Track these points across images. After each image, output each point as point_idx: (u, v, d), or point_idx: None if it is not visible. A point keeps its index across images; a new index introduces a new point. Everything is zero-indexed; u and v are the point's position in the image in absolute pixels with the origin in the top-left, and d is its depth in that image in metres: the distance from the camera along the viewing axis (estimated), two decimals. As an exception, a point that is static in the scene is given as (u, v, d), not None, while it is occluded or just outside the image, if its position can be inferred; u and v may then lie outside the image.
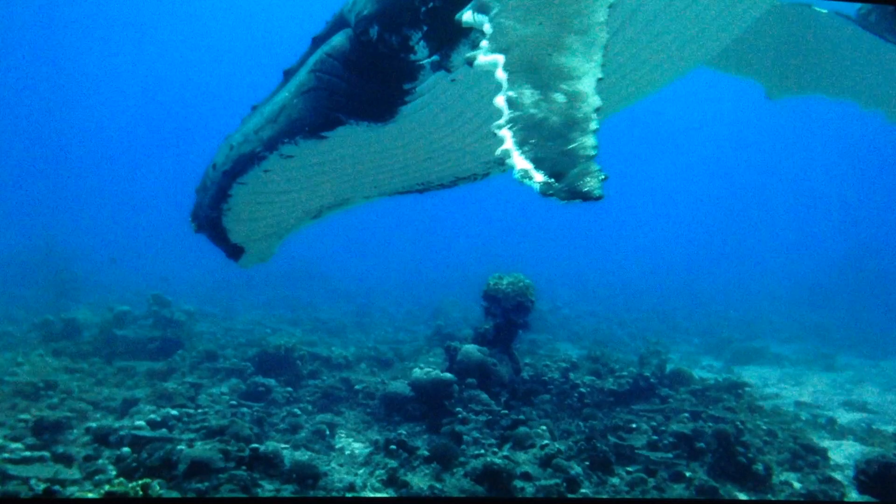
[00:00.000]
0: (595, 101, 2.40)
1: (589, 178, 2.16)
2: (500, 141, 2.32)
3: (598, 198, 2.12)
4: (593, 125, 2.32)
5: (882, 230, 34.97)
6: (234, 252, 5.90)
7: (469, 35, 3.85)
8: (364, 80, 4.34)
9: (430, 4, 3.86)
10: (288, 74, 4.94)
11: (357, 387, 8.49)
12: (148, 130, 56.60)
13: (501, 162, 5.37)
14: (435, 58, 4.00)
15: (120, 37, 52.07)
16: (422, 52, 4.01)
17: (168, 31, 53.58)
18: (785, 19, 5.66)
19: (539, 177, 2.18)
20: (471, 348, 8.02)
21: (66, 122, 53.00)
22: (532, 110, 2.37)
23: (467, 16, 3.11)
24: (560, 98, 2.41)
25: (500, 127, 2.36)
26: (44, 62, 50.34)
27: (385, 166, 5.16)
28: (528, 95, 2.42)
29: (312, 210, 5.79)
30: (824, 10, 5.58)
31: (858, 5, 5.55)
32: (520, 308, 8.38)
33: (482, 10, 2.99)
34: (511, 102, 2.41)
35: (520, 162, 2.24)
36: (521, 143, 2.28)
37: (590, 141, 2.28)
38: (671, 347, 12.80)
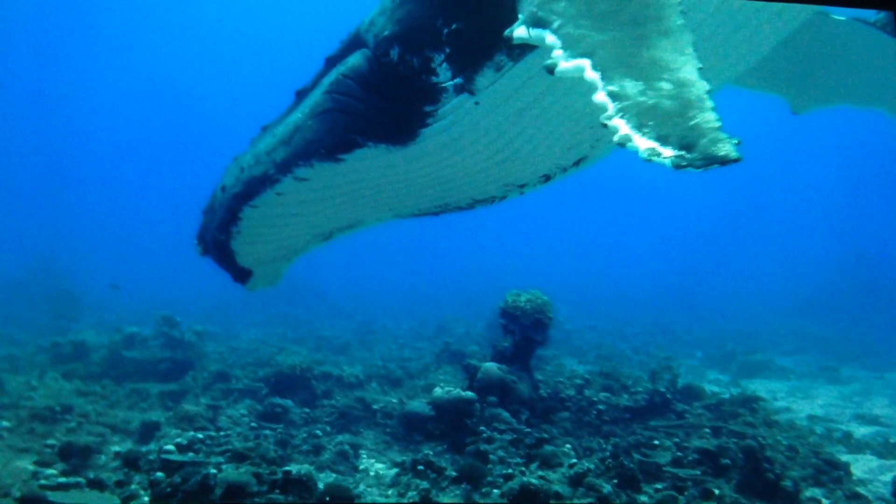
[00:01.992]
0: (703, 84, 2.41)
1: (722, 144, 2.16)
2: (613, 131, 2.33)
3: (737, 159, 2.12)
4: (709, 104, 2.34)
5: (881, 240, 35.13)
6: (242, 275, 5.78)
7: (493, 58, 3.79)
8: (383, 102, 4.27)
9: (454, 26, 3.81)
10: (300, 95, 4.84)
11: (375, 406, 8.45)
12: (147, 148, 56.16)
13: (522, 185, 5.37)
14: (458, 80, 3.94)
15: (120, 46, 51.49)
16: (444, 75, 3.96)
17: (173, 42, 53.17)
18: (804, 30, 5.61)
19: (668, 151, 2.18)
20: (491, 366, 8.01)
21: (62, 137, 52.50)
22: (641, 98, 2.37)
23: (520, 31, 3.02)
24: (666, 85, 2.41)
25: (609, 118, 2.36)
26: (42, 70, 49.79)
27: (403, 189, 5.07)
28: (630, 87, 2.41)
29: (324, 232, 5.70)
30: (843, 18, 5.57)
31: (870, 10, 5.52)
32: (538, 325, 8.36)
33: (539, 24, 2.92)
34: (615, 95, 2.41)
35: (643, 143, 2.24)
36: (639, 127, 2.28)
37: (711, 115, 2.29)
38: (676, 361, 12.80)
